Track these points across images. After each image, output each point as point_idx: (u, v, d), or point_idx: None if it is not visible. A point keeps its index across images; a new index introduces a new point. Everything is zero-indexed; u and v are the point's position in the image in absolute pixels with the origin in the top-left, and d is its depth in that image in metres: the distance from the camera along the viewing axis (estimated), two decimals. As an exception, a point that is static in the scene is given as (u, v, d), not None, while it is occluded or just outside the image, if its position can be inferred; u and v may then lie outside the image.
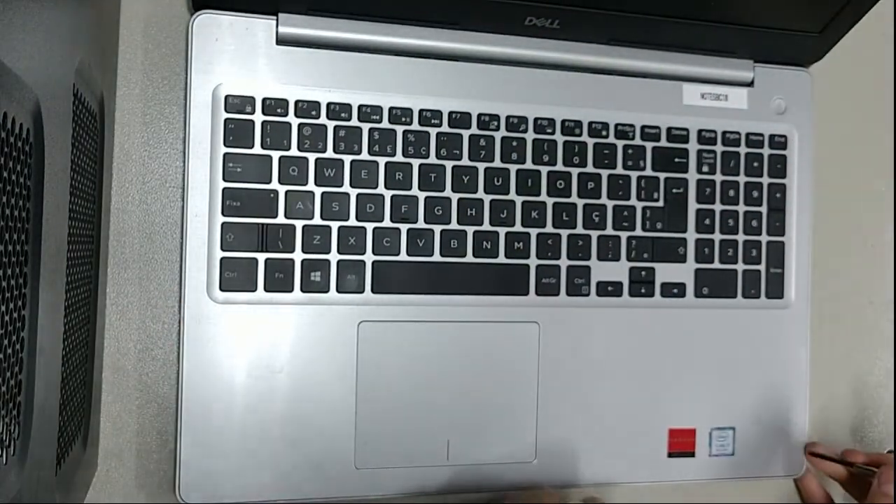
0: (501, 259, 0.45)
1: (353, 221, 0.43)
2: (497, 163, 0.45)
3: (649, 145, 0.47)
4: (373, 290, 0.43)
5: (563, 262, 0.46)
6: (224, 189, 0.41)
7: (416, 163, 0.44)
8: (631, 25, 0.45)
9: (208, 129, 0.41)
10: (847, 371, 0.54)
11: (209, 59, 0.41)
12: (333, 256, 0.42)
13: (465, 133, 0.44)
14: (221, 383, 0.41)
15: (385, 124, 0.43)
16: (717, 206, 0.48)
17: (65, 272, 0.30)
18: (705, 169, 0.48)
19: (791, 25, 0.46)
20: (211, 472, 0.41)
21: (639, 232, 0.47)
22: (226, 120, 0.41)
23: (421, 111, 0.44)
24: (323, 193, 0.42)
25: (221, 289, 0.41)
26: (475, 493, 0.45)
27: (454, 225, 0.44)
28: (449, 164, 0.44)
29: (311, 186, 0.42)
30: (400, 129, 0.44)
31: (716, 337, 0.48)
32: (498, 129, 0.45)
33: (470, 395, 0.44)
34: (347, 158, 0.43)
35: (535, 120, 0.46)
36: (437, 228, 0.44)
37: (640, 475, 0.47)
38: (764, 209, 0.49)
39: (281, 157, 0.42)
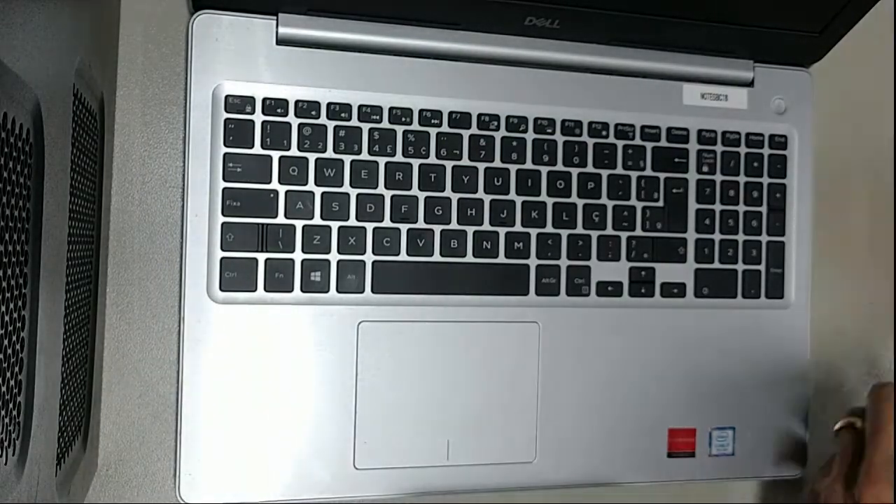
0: (501, 259, 0.45)
1: (353, 221, 0.43)
2: (497, 163, 0.45)
3: (649, 145, 0.47)
4: (373, 290, 0.43)
5: (563, 262, 0.46)
6: (224, 189, 0.41)
7: (416, 163, 0.44)
8: (631, 25, 0.45)
9: (208, 129, 0.41)
10: (846, 371, 0.54)
11: (209, 59, 0.41)
12: (333, 256, 0.42)
13: (465, 133, 0.44)
14: (221, 383, 0.41)
15: (385, 124, 0.43)
16: (717, 206, 0.48)
17: (65, 272, 0.30)
18: (705, 169, 0.48)
19: (791, 25, 0.46)
20: (211, 473, 0.41)
21: (639, 232, 0.47)
22: (226, 120, 0.41)
23: (421, 111, 0.44)
24: (323, 193, 0.42)
25: (221, 289, 0.41)
26: (475, 493, 0.45)
27: (454, 225, 0.44)
28: (449, 164, 0.44)
29: (311, 186, 0.42)
30: (400, 129, 0.44)
31: (716, 337, 0.48)
32: (498, 129, 0.45)
33: (470, 395, 0.44)
34: (347, 158, 0.43)
35: (535, 120, 0.46)
36: (437, 228, 0.44)
37: (640, 475, 0.47)
38: (764, 209, 0.49)
39: (281, 157, 0.42)
